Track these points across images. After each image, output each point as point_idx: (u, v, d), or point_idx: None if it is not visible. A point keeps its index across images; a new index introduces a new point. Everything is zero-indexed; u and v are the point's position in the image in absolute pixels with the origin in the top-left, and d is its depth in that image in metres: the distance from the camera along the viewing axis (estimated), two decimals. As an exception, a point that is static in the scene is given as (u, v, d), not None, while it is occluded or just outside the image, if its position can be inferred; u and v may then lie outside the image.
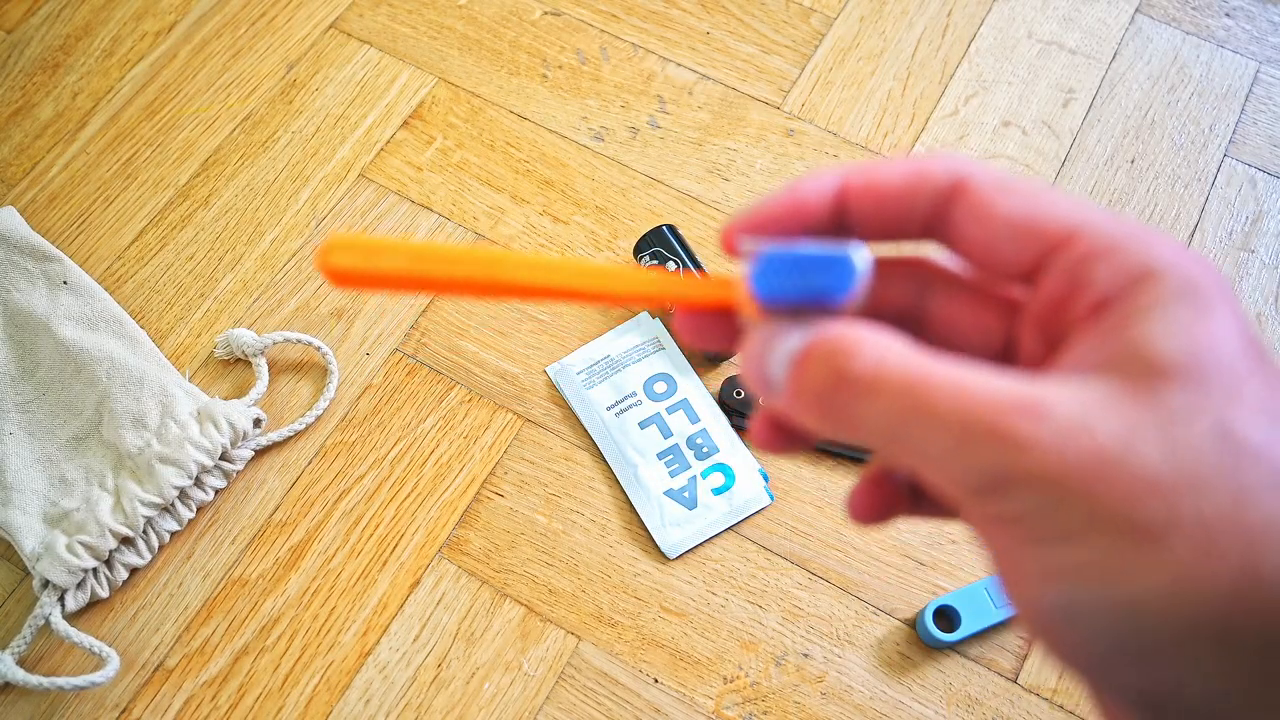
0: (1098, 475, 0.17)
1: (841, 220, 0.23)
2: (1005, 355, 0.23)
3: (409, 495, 0.60)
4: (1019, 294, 0.22)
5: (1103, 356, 0.19)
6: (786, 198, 0.23)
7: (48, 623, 0.54)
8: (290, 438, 0.61)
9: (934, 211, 0.22)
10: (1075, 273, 0.20)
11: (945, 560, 0.58)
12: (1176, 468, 0.17)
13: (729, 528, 0.59)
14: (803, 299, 0.21)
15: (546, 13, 0.76)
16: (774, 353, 0.21)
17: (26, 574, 0.57)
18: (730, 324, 0.24)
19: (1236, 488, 0.17)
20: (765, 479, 0.60)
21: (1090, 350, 0.19)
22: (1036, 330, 0.21)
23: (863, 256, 0.21)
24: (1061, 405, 0.18)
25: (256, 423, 0.59)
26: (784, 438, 0.24)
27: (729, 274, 0.23)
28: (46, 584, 0.54)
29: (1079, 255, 0.20)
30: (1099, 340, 0.19)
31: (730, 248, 0.23)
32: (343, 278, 0.22)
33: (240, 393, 0.62)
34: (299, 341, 0.62)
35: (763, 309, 0.22)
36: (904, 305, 0.24)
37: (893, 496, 0.24)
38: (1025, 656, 0.56)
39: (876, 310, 0.23)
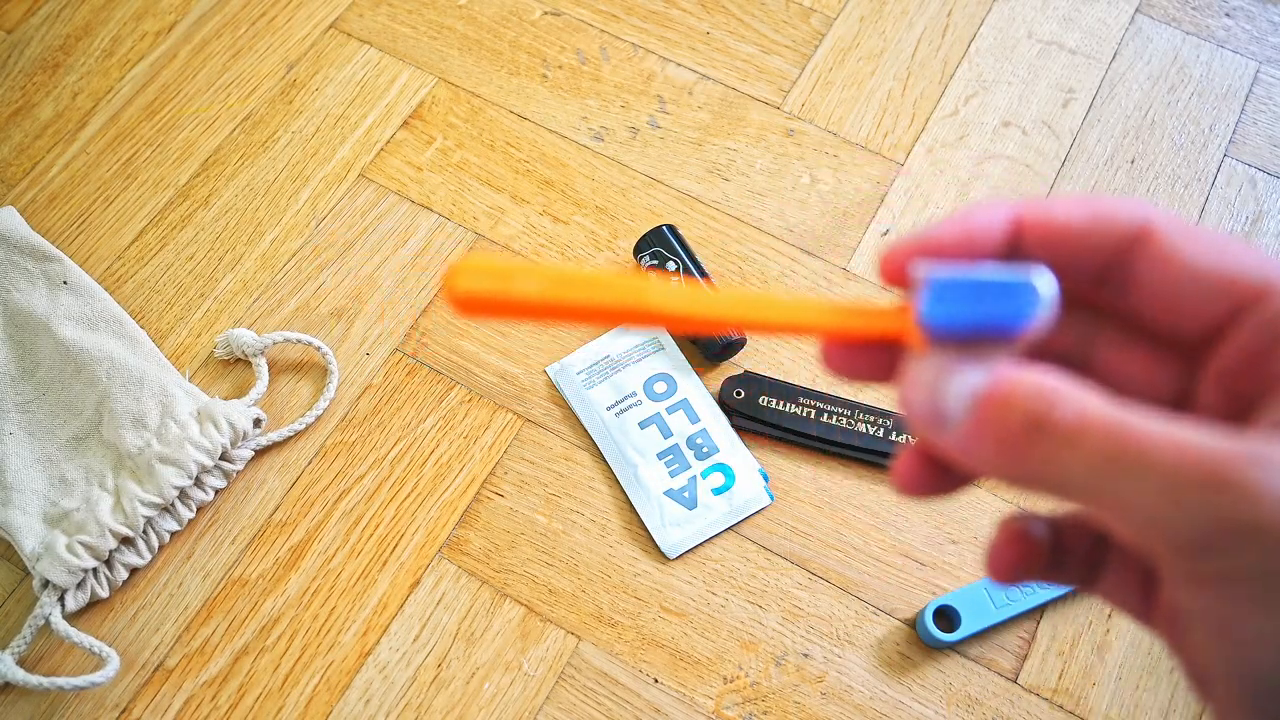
0: None
1: (1012, 257, 0.22)
2: (1176, 410, 0.21)
3: (409, 495, 0.60)
4: (1197, 347, 0.21)
5: None
6: (958, 227, 0.21)
7: (48, 623, 0.54)
8: (290, 438, 0.61)
9: (1115, 256, 0.21)
10: (1273, 329, 0.19)
11: (945, 560, 0.58)
12: None
13: (729, 528, 0.59)
14: (980, 329, 0.20)
15: (546, 13, 0.76)
16: (950, 388, 0.20)
17: (26, 574, 0.57)
18: (884, 353, 0.22)
19: None
20: (765, 479, 0.60)
21: None
22: (1222, 386, 0.20)
23: (1047, 283, 0.20)
24: None
25: (256, 423, 0.59)
26: (938, 478, 0.22)
27: (891, 302, 0.21)
28: (46, 584, 0.54)
29: (1277, 310, 0.19)
30: None
31: (893, 275, 0.22)
32: (472, 305, 0.20)
33: (240, 393, 0.62)
34: (299, 341, 0.62)
35: (933, 339, 0.20)
36: (1068, 347, 0.23)
37: (1032, 554, 0.23)
38: (1025, 656, 0.56)
39: (1039, 351, 0.22)
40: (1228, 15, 0.77)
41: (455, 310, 0.20)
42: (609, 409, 0.61)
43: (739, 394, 0.61)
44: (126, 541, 0.56)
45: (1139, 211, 0.20)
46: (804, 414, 0.61)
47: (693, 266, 0.64)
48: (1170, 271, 0.20)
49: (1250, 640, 0.17)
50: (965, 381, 0.20)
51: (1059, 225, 0.21)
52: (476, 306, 0.20)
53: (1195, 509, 0.17)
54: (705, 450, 0.60)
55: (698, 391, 0.62)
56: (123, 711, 0.54)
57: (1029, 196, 0.20)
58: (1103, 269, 0.21)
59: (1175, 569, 0.18)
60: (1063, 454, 0.18)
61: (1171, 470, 0.17)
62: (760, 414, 0.60)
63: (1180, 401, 0.22)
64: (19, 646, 0.54)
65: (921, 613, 0.56)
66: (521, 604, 0.57)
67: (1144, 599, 0.22)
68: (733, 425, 0.61)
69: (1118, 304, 0.21)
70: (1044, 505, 0.54)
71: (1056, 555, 0.23)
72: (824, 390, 0.62)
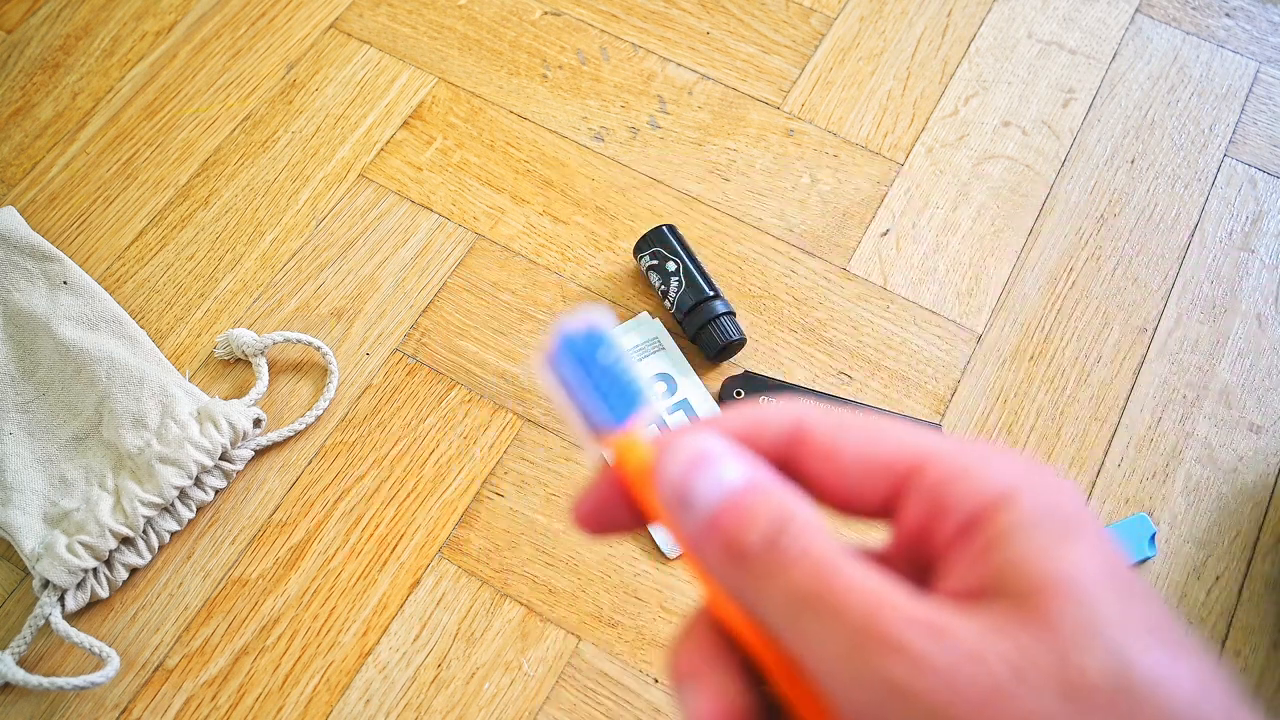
0: (986, 708, 0.17)
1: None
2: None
3: (409, 495, 0.60)
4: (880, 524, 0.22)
5: (981, 580, 0.18)
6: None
7: (48, 623, 0.54)
8: (290, 438, 0.61)
9: (781, 460, 0.22)
10: (933, 499, 0.20)
11: (945, 560, 0.58)
12: (1065, 705, 0.16)
13: (729, 528, 0.59)
14: (586, 404, 0.22)
15: (546, 13, 0.76)
16: (707, 477, 0.20)
17: (26, 574, 0.57)
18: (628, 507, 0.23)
19: None
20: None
21: (966, 573, 0.19)
22: (904, 556, 0.21)
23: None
24: (957, 628, 0.17)
25: (256, 423, 0.59)
26: (610, 521, 0.23)
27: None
28: (46, 584, 0.54)
29: (933, 482, 0.20)
30: (972, 563, 0.19)
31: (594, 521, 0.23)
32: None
33: (240, 393, 0.62)
34: (299, 341, 0.62)
35: (552, 368, 0.22)
36: None
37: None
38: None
39: None
40: (1228, 15, 0.77)
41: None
42: (609, 409, 0.61)
43: (739, 394, 0.61)
44: (126, 541, 0.56)
45: (790, 414, 0.22)
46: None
47: (693, 266, 0.64)
48: (833, 462, 0.21)
49: None
50: (720, 475, 0.20)
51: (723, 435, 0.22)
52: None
53: (869, 667, 0.17)
54: (705, 450, 0.60)
55: (698, 391, 0.62)
56: (123, 711, 0.54)
57: (700, 420, 0.21)
58: (780, 467, 0.22)
59: None
60: (773, 579, 0.19)
61: (858, 627, 0.18)
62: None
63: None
64: (19, 646, 0.54)
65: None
66: (521, 604, 0.57)
67: None
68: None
69: (806, 490, 0.22)
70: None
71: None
72: (824, 390, 0.62)
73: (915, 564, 0.21)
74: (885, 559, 0.21)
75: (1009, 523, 0.19)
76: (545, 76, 0.74)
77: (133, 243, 0.67)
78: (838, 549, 0.19)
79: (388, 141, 0.71)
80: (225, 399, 0.61)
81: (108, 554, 0.55)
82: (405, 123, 0.72)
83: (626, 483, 0.22)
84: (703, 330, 0.62)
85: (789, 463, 0.22)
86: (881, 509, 0.21)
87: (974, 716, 0.17)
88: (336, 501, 0.59)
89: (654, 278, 0.64)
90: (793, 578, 0.19)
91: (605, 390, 0.22)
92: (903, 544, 0.21)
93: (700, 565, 0.21)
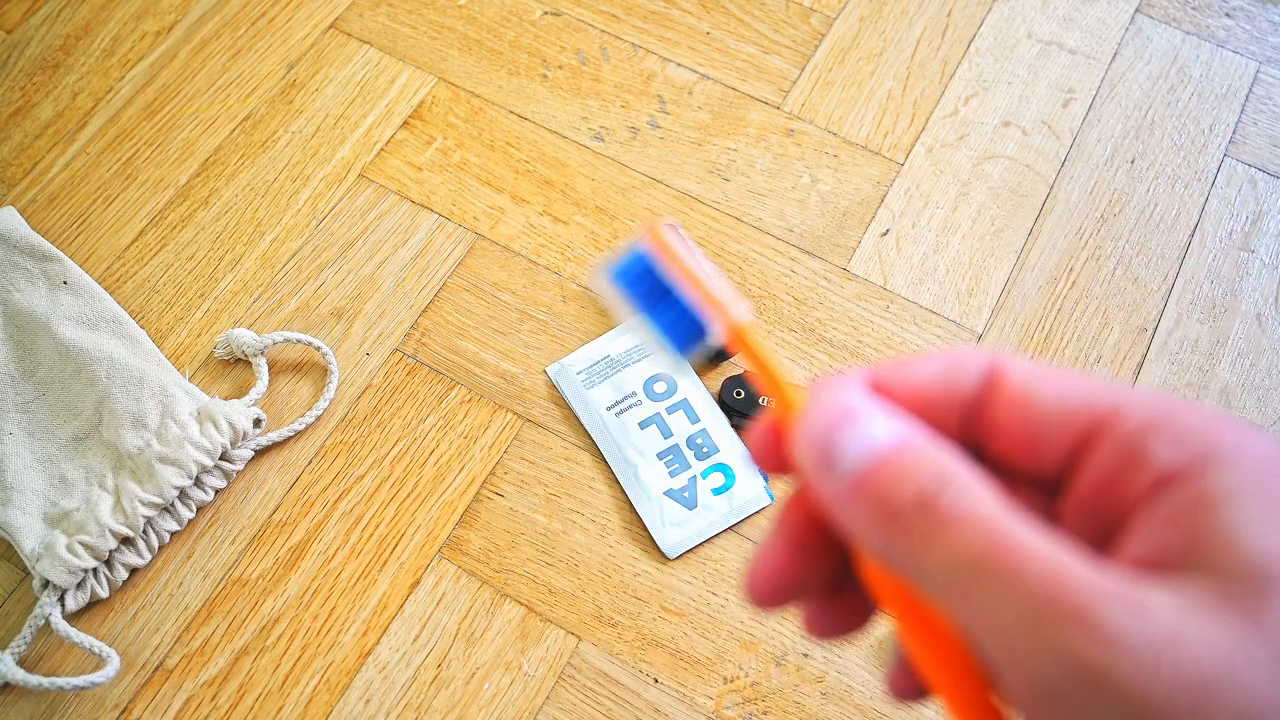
0: (1192, 707, 0.15)
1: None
2: None
3: (409, 495, 0.60)
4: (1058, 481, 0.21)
5: (1182, 546, 0.17)
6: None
7: (48, 623, 0.54)
8: (290, 438, 0.61)
9: (972, 403, 0.20)
10: (1128, 448, 0.18)
11: (945, 560, 0.58)
12: None
13: (729, 528, 0.59)
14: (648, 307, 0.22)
15: (546, 13, 0.76)
16: (851, 433, 0.19)
17: (26, 574, 0.57)
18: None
19: None
20: (765, 479, 0.60)
21: (1161, 536, 0.17)
22: (1083, 515, 0.19)
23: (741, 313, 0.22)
24: (1159, 605, 0.16)
25: (256, 423, 0.59)
26: (805, 593, 0.22)
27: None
28: (46, 584, 0.54)
29: (1130, 430, 0.18)
30: (1170, 526, 0.17)
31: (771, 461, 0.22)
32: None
33: (240, 393, 0.62)
34: (299, 341, 0.62)
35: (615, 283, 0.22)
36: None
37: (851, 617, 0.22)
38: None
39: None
40: (1228, 15, 0.77)
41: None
42: (609, 409, 0.61)
43: (739, 394, 0.61)
44: (126, 541, 0.56)
45: (988, 358, 0.20)
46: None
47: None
48: (1024, 408, 0.20)
49: None
50: (868, 434, 0.19)
51: (913, 384, 0.21)
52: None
53: (1052, 642, 0.16)
54: (705, 450, 0.60)
55: (698, 391, 0.62)
56: (123, 712, 0.54)
57: (884, 362, 0.21)
58: (964, 417, 0.21)
59: (1023, 706, 0.17)
60: (935, 538, 0.17)
61: (1038, 595, 0.16)
62: (761, 414, 0.61)
63: None
64: (19, 647, 0.54)
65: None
66: (521, 604, 0.57)
67: None
68: (733, 425, 0.61)
69: (984, 450, 0.21)
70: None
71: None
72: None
73: (1097, 525, 0.19)
74: (1060, 523, 0.20)
75: (1219, 486, 0.17)
76: (545, 76, 0.74)
77: (133, 243, 0.67)
78: (1008, 510, 0.17)
79: (388, 141, 0.71)
80: (225, 399, 0.61)
81: (108, 554, 0.55)
82: (405, 123, 0.72)
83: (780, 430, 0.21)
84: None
85: (982, 410, 0.20)
86: (1064, 462, 0.20)
87: (1179, 709, 0.15)
88: (336, 501, 0.59)
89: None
90: (958, 539, 0.17)
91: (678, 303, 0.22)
92: (1084, 502, 0.19)
93: (847, 533, 0.19)
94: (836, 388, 0.20)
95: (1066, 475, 0.20)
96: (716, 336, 0.22)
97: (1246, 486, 0.17)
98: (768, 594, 0.21)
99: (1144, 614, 0.15)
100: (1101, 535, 0.19)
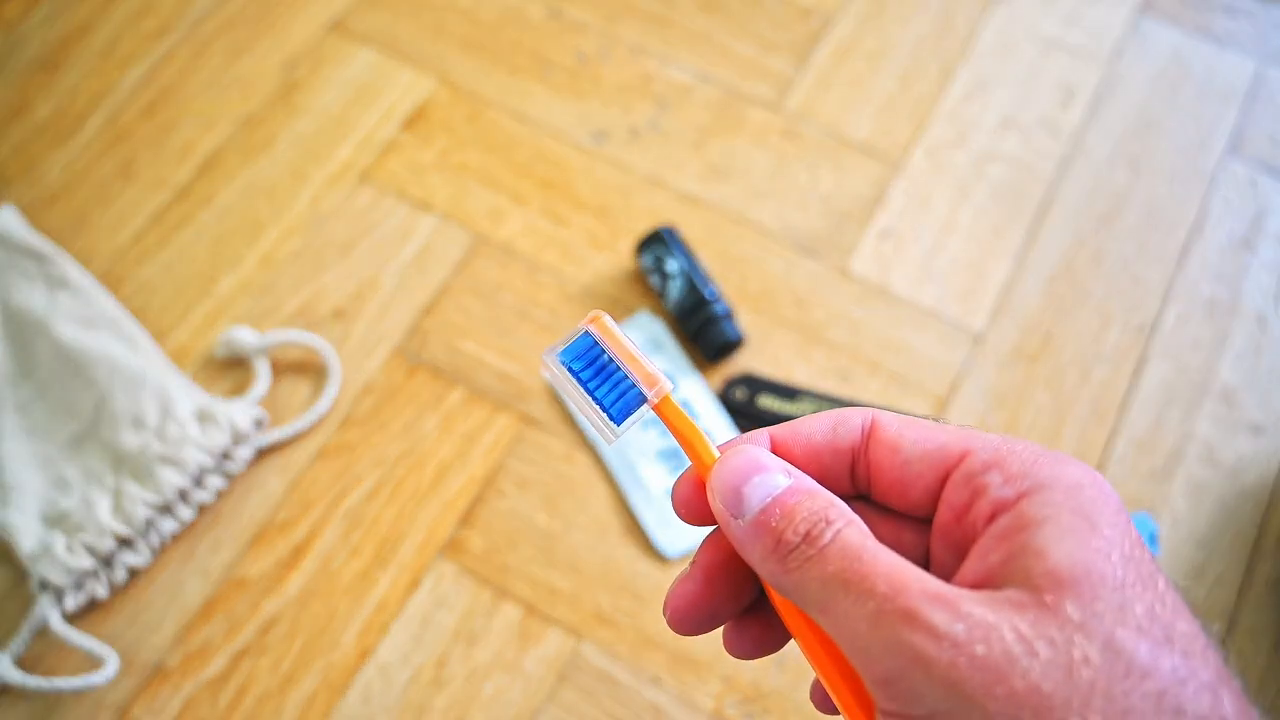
0: (992, 684, 0.18)
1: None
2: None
3: (409, 495, 0.60)
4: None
5: (1003, 563, 0.20)
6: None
7: (46, 623, 0.54)
8: (291, 438, 0.61)
9: (857, 455, 0.25)
10: (972, 485, 0.22)
11: (946, 560, 0.58)
12: (1067, 683, 0.18)
13: (729, 528, 0.59)
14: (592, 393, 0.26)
15: (547, 13, 0.76)
16: (758, 484, 0.23)
17: (25, 574, 0.57)
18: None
19: (1123, 710, 0.18)
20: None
21: (990, 554, 0.21)
22: (944, 543, 0.23)
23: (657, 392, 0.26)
24: (973, 605, 0.19)
25: (257, 423, 0.59)
26: (717, 615, 0.26)
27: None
28: (45, 584, 0.54)
29: (974, 469, 0.22)
30: (996, 545, 0.21)
31: (690, 510, 0.26)
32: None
33: (240, 393, 0.62)
34: (299, 342, 0.62)
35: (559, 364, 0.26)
36: None
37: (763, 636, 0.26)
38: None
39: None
40: (1228, 15, 0.77)
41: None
42: (609, 409, 0.61)
43: (739, 394, 0.61)
44: (127, 542, 0.56)
45: (867, 415, 0.25)
46: (804, 414, 0.60)
47: (693, 268, 0.63)
48: (894, 456, 0.24)
49: None
50: (772, 483, 0.23)
51: (806, 442, 0.25)
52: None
53: (890, 640, 0.19)
54: (705, 450, 0.60)
55: (698, 391, 0.62)
56: (122, 712, 0.54)
57: (781, 425, 0.27)
58: (851, 468, 0.25)
59: (876, 694, 0.20)
60: (811, 567, 0.21)
61: (883, 599, 0.20)
62: (761, 414, 0.60)
63: (923, 566, 0.25)
64: (17, 647, 0.54)
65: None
66: (521, 604, 0.57)
67: None
68: (735, 425, 0.61)
69: (871, 493, 0.25)
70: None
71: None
72: (824, 391, 0.62)
73: (955, 551, 0.23)
74: (930, 551, 0.24)
75: (1034, 511, 0.20)
76: (545, 77, 0.74)
77: (133, 243, 0.67)
78: (868, 538, 0.21)
79: (388, 142, 0.71)
80: (225, 399, 0.61)
81: (107, 554, 0.55)
82: (406, 123, 0.72)
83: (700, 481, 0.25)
84: (702, 331, 0.62)
85: (863, 459, 0.25)
86: (929, 498, 0.24)
87: (986, 684, 0.18)
88: (337, 502, 0.59)
89: (654, 278, 0.64)
90: (828, 564, 0.21)
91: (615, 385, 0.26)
92: (944, 532, 0.23)
93: (752, 565, 0.23)
94: (745, 447, 0.24)
95: (934, 511, 0.24)
96: (648, 404, 0.26)
97: (1054, 510, 0.20)
98: (684, 621, 0.26)
99: (963, 611, 0.19)
100: (959, 559, 0.22)
